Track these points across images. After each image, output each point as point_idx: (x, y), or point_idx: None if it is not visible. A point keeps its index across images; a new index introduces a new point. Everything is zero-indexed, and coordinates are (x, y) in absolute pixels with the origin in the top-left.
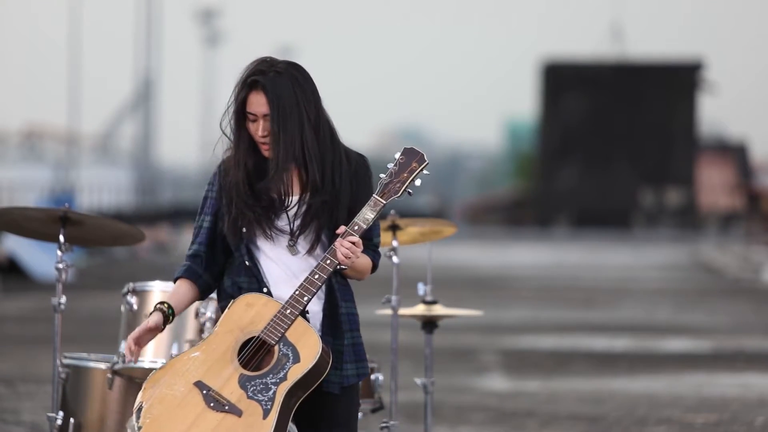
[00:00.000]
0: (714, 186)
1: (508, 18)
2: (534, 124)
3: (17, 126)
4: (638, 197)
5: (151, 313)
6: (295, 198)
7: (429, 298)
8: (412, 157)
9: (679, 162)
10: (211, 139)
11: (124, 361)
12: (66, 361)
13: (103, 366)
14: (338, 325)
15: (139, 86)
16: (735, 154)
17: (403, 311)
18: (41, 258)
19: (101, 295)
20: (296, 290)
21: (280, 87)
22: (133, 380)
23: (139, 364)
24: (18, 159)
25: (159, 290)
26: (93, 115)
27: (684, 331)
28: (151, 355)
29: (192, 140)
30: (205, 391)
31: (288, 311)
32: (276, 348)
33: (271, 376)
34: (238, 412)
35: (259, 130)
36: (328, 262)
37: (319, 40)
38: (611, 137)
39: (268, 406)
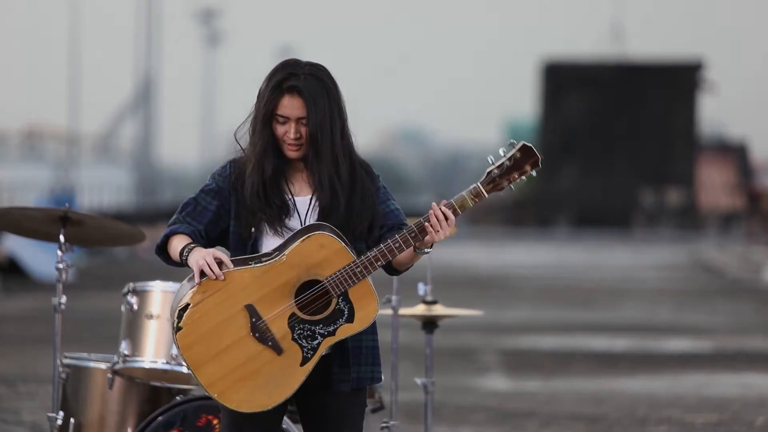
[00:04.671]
0: (714, 186)
1: (508, 17)
2: (534, 124)
3: (17, 126)
4: (638, 197)
5: (189, 255)
6: (310, 198)
7: (429, 298)
8: (528, 157)
9: (679, 162)
10: (211, 139)
11: (124, 361)
12: (66, 361)
13: (103, 366)
14: None
15: (139, 86)
16: (735, 154)
17: (403, 311)
18: (41, 258)
19: (101, 295)
20: (373, 252)
21: (314, 90)
22: (133, 380)
23: (139, 364)
24: (18, 159)
25: (159, 290)
26: (93, 115)
27: (684, 331)
28: (152, 355)
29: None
30: (254, 319)
31: (358, 269)
32: (334, 301)
33: (321, 326)
34: (278, 350)
35: (290, 132)
36: (413, 235)
37: (319, 40)
38: (611, 137)
39: (309, 355)
